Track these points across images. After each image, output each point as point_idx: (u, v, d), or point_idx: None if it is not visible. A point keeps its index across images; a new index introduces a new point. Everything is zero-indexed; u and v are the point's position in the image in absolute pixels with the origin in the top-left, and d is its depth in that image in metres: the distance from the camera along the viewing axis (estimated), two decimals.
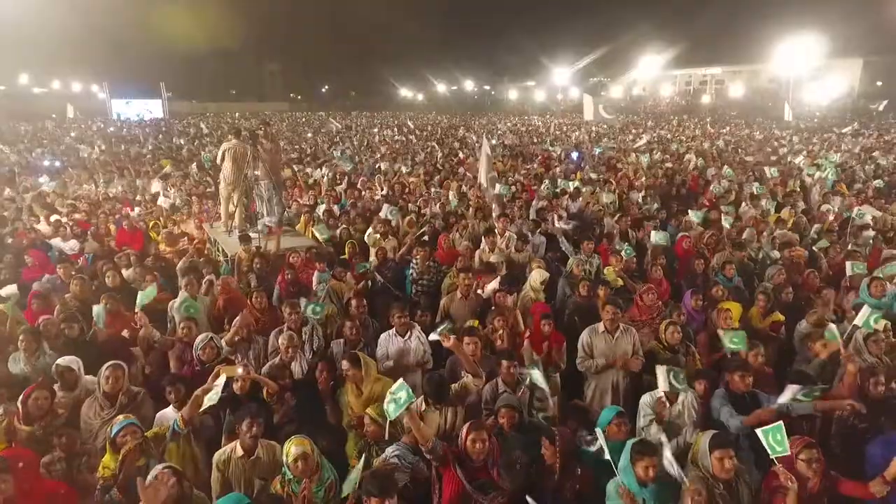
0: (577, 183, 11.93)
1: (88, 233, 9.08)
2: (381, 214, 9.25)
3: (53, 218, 9.55)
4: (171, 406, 4.17)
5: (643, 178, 13.32)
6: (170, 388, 4.17)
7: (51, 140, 25.55)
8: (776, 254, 7.83)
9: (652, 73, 75.56)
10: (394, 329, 5.14)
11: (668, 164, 16.19)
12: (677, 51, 69.26)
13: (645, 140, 20.65)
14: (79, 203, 10.92)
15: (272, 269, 7.08)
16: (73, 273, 6.56)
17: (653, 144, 21.16)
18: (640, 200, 11.07)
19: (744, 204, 10.86)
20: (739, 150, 20.77)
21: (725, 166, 14.45)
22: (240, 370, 4.19)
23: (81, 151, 20.19)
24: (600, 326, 5.08)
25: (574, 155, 17.63)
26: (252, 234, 7.95)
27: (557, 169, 15.67)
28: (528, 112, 67.36)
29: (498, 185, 10.07)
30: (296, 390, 4.39)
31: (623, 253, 7.06)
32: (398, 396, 3.45)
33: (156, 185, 12.15)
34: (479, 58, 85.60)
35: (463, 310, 6.00)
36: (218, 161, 8.50)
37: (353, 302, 5.56)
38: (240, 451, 3.63)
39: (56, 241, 8.60)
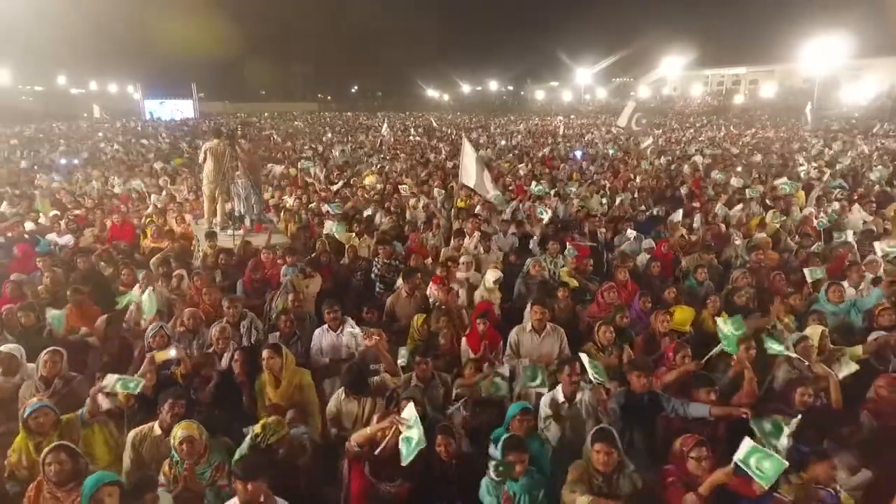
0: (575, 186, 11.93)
1: (85, 228, 9.49)
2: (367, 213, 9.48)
3: (52, 213, 10.01)
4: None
5: (638, 179, 13.19)
6: (100, 374, 4.40)
7: (77, 139, 26.61)
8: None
9: (681, 72, 74.12)
10: (326, 325, 5.29)
11: (672, 166, 15.96)
12: (709, 50, 68.04)
13: (650, 142, 20.35)
14: (82, 200, 11.40)
15: (239, 265, 7.33)
16: (49, 266, 6.88)
17: (660, 146, 20.85)
18: (628, 202, 10.96)
19: (738, 206, 10.70)
20: (753, 152, 20.30)
21: (716, 170, 14.19)
22: (172, 352, 4.41)
23: (101, 150, 20.99)
24: (528, 325, 5.14)
25: (577, 154, 17.53)
26: (230, 232, 8.23)
27: (561, 169, 15.66)
28: (552, 112, 66.83)
29: (493, 192, 10.10)
30: (221, 379, 4.57)
31: (566, 253, 7.06)
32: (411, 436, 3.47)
33: (138, 184, 12.57)
34: (503, 58, 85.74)
35: (407, 308, 6.12)
36: (200, 160, 8.81)
37: (290, 296, 5.73)
38: (157, 431, 3.82)
39: (52, 236, 9.02)
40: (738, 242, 8.25)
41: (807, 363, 4.67)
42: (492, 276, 6.58)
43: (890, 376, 4.30)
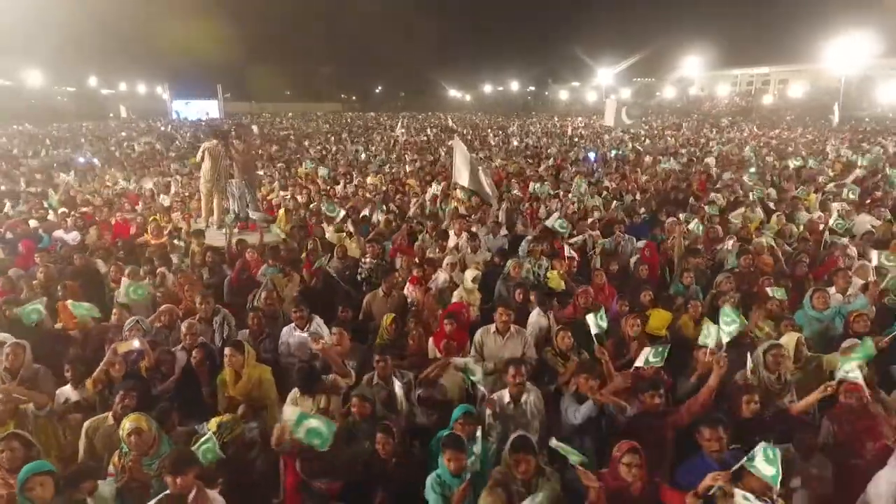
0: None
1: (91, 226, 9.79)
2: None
3: (60, 210, 10.35)
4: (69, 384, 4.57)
5: (643, 179, 13.04)
6: (68, 366, 4.57)
7: (99, 138, 27.42)
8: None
9: (708, 72, 72.73)
10: (293, 323, 5.38)
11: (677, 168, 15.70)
12: (737, 49, 66.64)
13: (670, 142, 20.06)
14: (92, 198, 11.76)
15: (232, 263, 7.48)
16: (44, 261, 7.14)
17: (672, 148, 20.53)
18: (627, 204, 10.84)
19: (740, 210, 10.50)
20: (769, 154, 19.86)
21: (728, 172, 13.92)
22: (135, 343, 4.55)
23: (123, 149, 21.59)
24: (492, 327, 5.15)
25: (591, 156, 17.38)
26: (224, 230, 8.40)
27: (567, 170, 15.55)
28: (573, 113, 66.27)
29: (491, 191, 10.10)
30: (182, 374, 4.69)
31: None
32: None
33: (148, 183, 12.90)
34: (525, 59, 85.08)
35: (383, 308, 6.18)
36: (198, 160, 9.02)
37: (263, 295, 5.84)
38: (110, 421, 3.96)
39: (59, 233, 9.34)
40: (729, 246, 8.09)
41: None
42: (470, 275, 6.61)
43: (851, 383, 4.19)
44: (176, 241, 8.48)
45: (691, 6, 79.32)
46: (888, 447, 3.83)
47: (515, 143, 23.55)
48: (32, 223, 9.63)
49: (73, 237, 9.28)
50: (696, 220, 8.87)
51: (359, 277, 7.52)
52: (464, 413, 3.87)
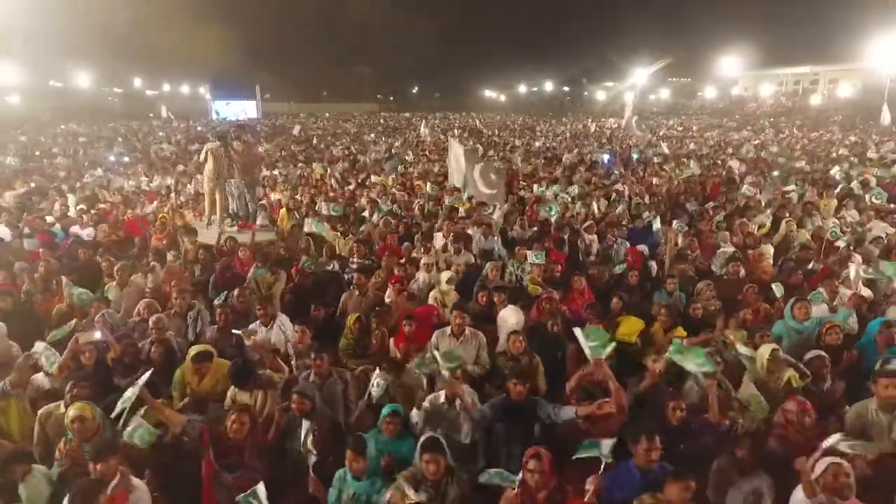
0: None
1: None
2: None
3: (78, 207, 10.87)
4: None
5: (654, 182, 12.79)
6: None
7: (131, 137, 28.58)
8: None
9: (752, 71, 70.34)
10: (259, 320, 5.54)
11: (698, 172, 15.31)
12: (783, 47, 64.26)
13: (691, 147, 19.56)
14: (106, 194, 12.30)
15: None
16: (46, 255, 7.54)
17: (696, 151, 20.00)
18: (626, 208, 10.66)
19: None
20: (801, 157, 19.12)
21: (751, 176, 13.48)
22: (96, 334, 4.79)
23: (158, 149, 22.46)
24: (448, 329, 5.18)
25: (605, 158, 17.15)
26: (228, 228, 8.71)
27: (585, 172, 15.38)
28: (607, 114, 65.20)
29: (487, 190, 10.11)
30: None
31: (535, 258, 6.97)
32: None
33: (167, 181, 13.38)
34: (560, 59, 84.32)
35: (357, 306, 6.28)
36: (201, 160, 9.34)
37: (236, 292, 6.03)
38: (62, 409, 4.18)
39: (74, 228, 9.82)
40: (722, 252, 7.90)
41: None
42: (445, 276, 6.66)
43: (799, 400, 4.06)
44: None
45: (734, 3, 76.91)
46: None
47: (538, 144, 23.40)
48: (49, 219, 10.16)
49: (87, 233, 9.73)
50: (678, 223, 8.65)
51: (346, 277, 7.66)
52: (391, 412, 3.93)
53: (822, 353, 4.85)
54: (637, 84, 56.96)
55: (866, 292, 6.69)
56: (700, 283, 6.64)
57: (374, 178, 14.03)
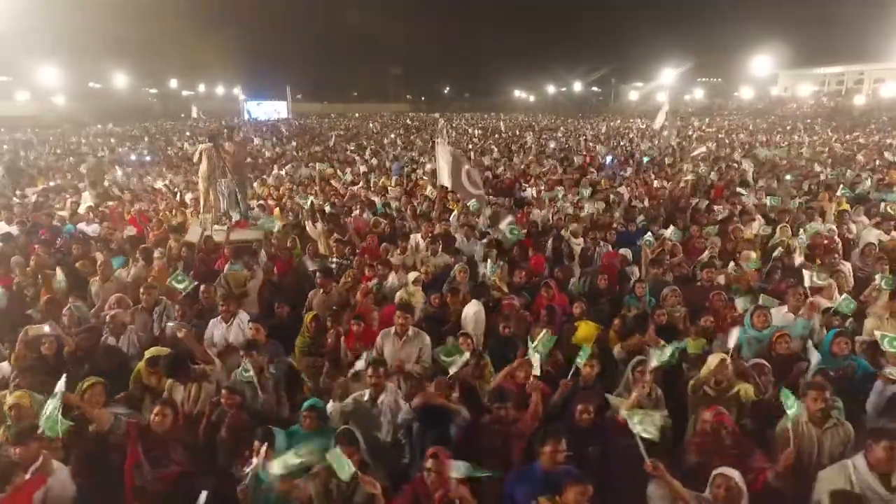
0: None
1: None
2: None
3: (87, 204, 11.36)
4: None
5: (655, 185, 12.58)
6: (3, 344, 5.13)
7: (165, 137, 29.56)
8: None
9: (793, 70, 68.02)
10: (219, 316, 5.73)
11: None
12: (825, 45, 61.93)
13: (703, 149, 19.08)
14: (114, 190, 12.81)
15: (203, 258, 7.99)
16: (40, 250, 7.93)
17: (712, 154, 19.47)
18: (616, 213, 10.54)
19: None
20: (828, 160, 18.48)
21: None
22: (46, 328, 5.04)
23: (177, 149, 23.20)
24: (393, 329, 5.26)
25: (608, 159, 16.94)
26: (217, 227, 8.99)
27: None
28: (639, 114, 64.06)
29: (472, 201, 10.12)
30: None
31: (489, 270, 7.00)
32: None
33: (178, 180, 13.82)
34: (590, 59, 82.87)
35: (321, 305, 6.42)
36: (195, 160, 9.65)
37: (202, 289, 6.24)
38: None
39: (82, 225, 10.28)
40: (705, 258, 7.74)
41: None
42: (412, 276, 6.75)
43: (717, 411, 3.99)
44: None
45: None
46: None
47: (553, 145, 23.20)
48: (61, 215, 10.66)
49: (93, 229, 10.17)
50: (674, 229, 8.50)
51: None
52: (309, 406, 4.04)
53: (763, 361, 4.75)
54: (666, 84, 55.60)
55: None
56: (666, 289, 6.53)
57: (374, 179, 14.19)
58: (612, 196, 12.10)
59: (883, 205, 10.56)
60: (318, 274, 6.69)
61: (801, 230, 8.72)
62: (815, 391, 4.00)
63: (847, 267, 7.66)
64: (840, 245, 8.78)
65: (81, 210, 11.22)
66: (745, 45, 64.35)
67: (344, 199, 11.98)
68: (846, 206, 11.03)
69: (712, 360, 4.83)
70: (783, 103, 69.94)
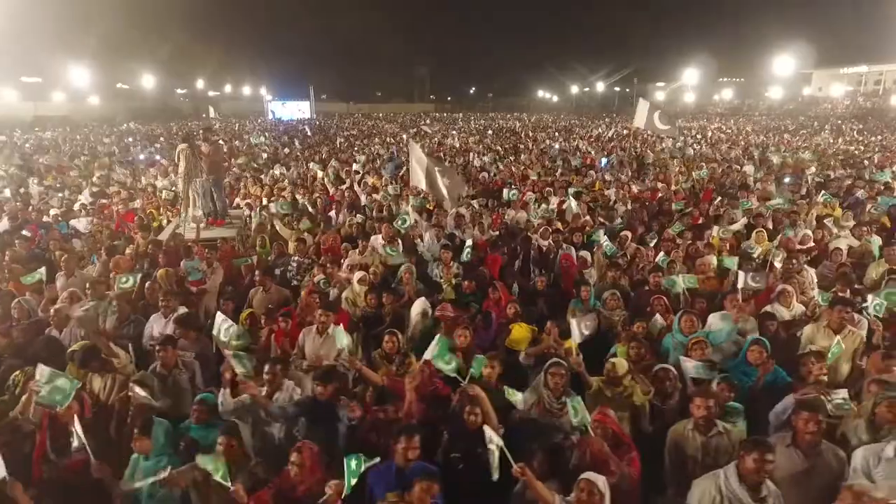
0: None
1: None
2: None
3: (80, 202, 11.83)
4: None
5: (635, 189, 12.43)
6: None
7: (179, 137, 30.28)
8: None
9: (827, 69, 65.87)
10: (161, 311, 5.94)
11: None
12: (860, 43, 59.76)
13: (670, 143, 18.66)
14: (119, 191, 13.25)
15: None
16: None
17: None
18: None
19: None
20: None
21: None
22: None
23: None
24: (314, 328, 5.38)
25: (602, 161, 16.77)
26: (192, 225, 9.29)
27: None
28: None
29: (447, 201, 10.19)
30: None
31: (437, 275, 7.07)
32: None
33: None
34: (613, 58, 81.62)
35: (261, 302, 6.59)
36: (175, 161, 9.97)
37: (147, 284, 6.48)
38: None
39: (74, 221, 10.72)
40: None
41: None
42: (357, 276, 6.86)
43: (602, 411, 4.00)
44: None
45: None
46: None
47: (557, 146, 23.01)
48: (53, 212, 11.14)
49: (84, 224, 10.61)
50: (653, 234, 8.45)
51: (288, 275, 8.02)
52: (199, 400, 4.19)
53: (669, 367, 4.72)
54: (688, 84, 54.50)
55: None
56: (606, 293, 6.50)
57: (368, 180, 14.35)
58: (599, 198, 12.03)
59: (869, 207, 10.25)
60: (256, 272, 6.82)
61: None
62: (699, 399, 3.97)
63: (811, 273, 7.49)
64: (815, 250, 8.65)
65: (76, 207, 11.73)
66: (774, 44, 62.42)
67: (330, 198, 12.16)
68: (839, 212, 10.76)
69: (618, 364, 4.81)
70: (817, 104, 67.83)
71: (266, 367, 4.42)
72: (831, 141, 28.10)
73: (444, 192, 10.03)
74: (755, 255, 7.69)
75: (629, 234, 8.56)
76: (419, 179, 10.10)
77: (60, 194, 12.73)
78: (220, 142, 10.78)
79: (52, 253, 8.38)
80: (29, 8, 37.74)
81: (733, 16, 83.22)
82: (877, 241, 8.78)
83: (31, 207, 11.37)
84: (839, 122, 45.63)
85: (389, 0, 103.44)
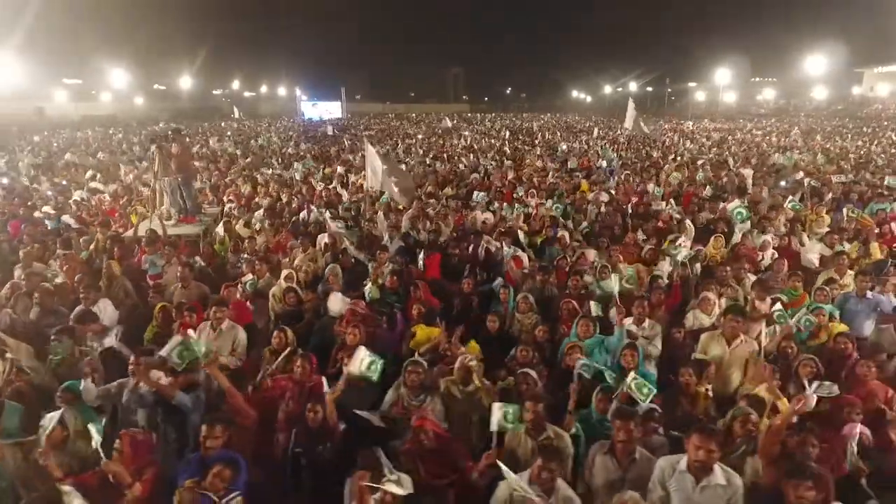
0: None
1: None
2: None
3: (74, 198, 12.48)
4: None
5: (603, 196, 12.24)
6: None
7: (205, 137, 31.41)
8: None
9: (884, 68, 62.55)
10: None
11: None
12: None
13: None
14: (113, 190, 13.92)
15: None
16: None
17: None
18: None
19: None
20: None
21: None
22: None
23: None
24: (209, 324, 5.59)
25: (602, 164, 16.54)
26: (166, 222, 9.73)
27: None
28: (689, 116, 61.23)
29: (400, 196, 10.29)
30: None
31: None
32: None
33: None
34: (645, 59, 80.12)
35: (178, 297, 6.82)
36: (149, 160, 10.43)
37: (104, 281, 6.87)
38: None
39: (65, 217, 11.32)
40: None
41: None
42: (284, 273, 7.08)
43: (419, 415, 4.07)
44: None
45: None
46: None
47: (565, 146, 22.74)
48: (46, 209, 11.82)
49: (73, 221, 11.21)
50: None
51: (233, 272, 8.30)
52: (65, 387, 4.44)
53: (528, 371, 4.71)
54: (722, 84, 52.83)
55: None
56: (519, 296, 6.47)
57: (353, 179, 14.57)
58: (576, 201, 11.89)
59: (845, 211, 9.80)
60: (181, 269, 7.07)
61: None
62: (529, 403, 3.97)
63: (751, 280, 7.27)
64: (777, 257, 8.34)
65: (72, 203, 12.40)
66: (819, 42, 59.72)
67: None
68: (827, 218, 10.34)
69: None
70: (867, 104, 64.52)
71: (131, 359, 4.64)
72: (860, 143, 26.81)
73: (395, 189, 10.09)
74: (678, 258, 7.42)
75: (566, 234, 8.44)
76: (375, 181, 10.22)
77: (51, 192, 13.39)
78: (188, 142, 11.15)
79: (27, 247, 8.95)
80: (70, 11, 39.82)
81: (772, 16, 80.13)
82: (855, 246, 8.46)
83: (20, 202, 11.97)
84: (885, 123, 43.32)
85: (427, 2, 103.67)
